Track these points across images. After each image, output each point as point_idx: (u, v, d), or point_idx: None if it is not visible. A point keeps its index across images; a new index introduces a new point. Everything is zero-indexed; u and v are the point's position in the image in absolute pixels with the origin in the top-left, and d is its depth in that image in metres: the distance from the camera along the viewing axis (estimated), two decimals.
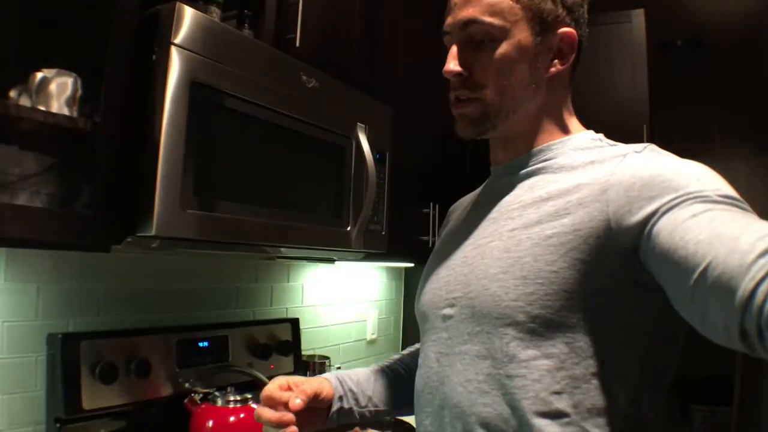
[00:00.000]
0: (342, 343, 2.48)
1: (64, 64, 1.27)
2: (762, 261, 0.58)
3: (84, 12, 1.31)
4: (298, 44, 1.65)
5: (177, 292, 1.81)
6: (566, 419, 0.79)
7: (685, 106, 2.43)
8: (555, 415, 0.80)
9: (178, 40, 1.24)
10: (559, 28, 0.92)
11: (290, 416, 0.95)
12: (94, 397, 1.46)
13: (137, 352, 1.57)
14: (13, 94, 1.25)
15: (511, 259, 0.85)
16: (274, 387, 1.00)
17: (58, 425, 1.42)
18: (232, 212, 1.38)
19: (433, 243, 2.20)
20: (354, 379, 1.13)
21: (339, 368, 2.13)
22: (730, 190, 0.73)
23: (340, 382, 1.10)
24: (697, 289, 0.64)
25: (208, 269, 1.90)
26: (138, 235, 1.25)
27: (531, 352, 0.82)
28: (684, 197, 0.71)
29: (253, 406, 1.61)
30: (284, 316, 2.16)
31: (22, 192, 1.26)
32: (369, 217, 1.75)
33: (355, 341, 2.56)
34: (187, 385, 1.63)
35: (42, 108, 1.23)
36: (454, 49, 0.92)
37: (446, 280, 0.97)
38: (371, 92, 1.88)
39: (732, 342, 0.61)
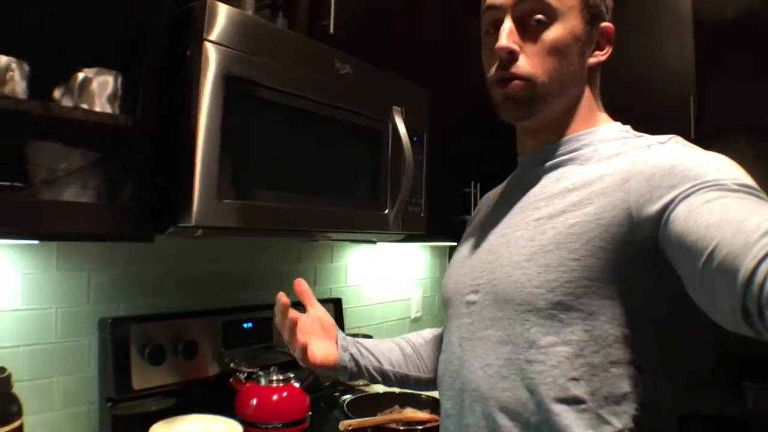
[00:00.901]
0: (386, 322, 2.52)
1: (105, 63, 1.32)
2: (765, 240, 0.59)
3: (120, 11, 1.35)
4: (332, 31, 1.66)
5: (223, 275, 1.87)
6: (583, 405, 0.81)
7: (734, 78, 2.34)
8: (572, 401, 0.81)
9: (210, 36, 1.27)
10: (602, 21, 0.94)
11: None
12: (144, 377, 1.54)
13: (184, 334, 1.64)
14: (57, 94, 1.30)
15: (534, 248, 0.87)
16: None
17: (109, 404, 1.51)
18: (269, 200, 1.42)
19: None
20: (357, 339, 1.18)
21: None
22: (748, 180, 0.74)
23: (344, 337, 1.15)
24: (706, 271, 0.65)
25: (252, 253, 1.95)
26: (179, 225, 1.29)
27: (551, 339, 0.83)
28: (701, 185, 0.72)
29: (295, 385, 1.67)
30: (328, 296, 2.20)
31: (69, 187, 1.32)
32: (407, 199, 1.76)
33: (399, 320, 2.60)
34: (232, 365, 1.70)
35: (84, 106, 1.29)
36: (508, 24, 0.90)
37: (471, 267, 0.99)
38: (408, 75, 1.88)
39: (739, 325, 0.62)
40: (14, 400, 1.19)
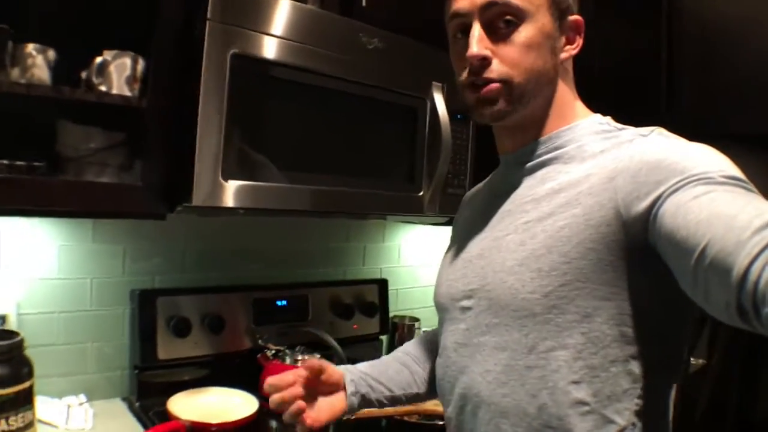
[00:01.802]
0: None
1: (124, 46, 1.34)
2: (757, 237, 0.59)
3: None
4: (364, 3, 1.59)
5: (263, 251, 1.89)
6: (586, 408, 0.81)
7: None
8: (575, 404, 0.82)
9: (216, 15, 1.26)
10: (570, 15, 0.94)
11: (297, 391, 0.97)
12: (169, 348, 1.60)
13: (213, 308, 1.68)
14: (80, 76, 1.35)
15: (526, 252, 0.86)
16: (273, 378, 1.01)
17: (136, 371, 1.58)
18: (283, 181, 1.40)
19: None
20: (362, 369, 1.13)
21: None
22: (735, 171, 0.73)
23: (348, 370, 1.11)
24: (698, 268, 0.65)
25: (296, 229, 1.95)
26: (184, 205, 1.31)
27: (549, 343, 0.83)
28: (688, 179, 0.72)
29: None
30: (378, 276, 2.17)
31: (90, 166, 1.37)
32: (445, 179, 1.68)
33: None
34: (260, 341, 1.72)
35: (103, 88, 1.32)
36: (477, 31, 0.89)
37: (463, 272, 0.98)
38: None
39: (733, 320, 0.62)
40: (26, 362, 1.26)
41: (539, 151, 0.94)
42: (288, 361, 1.65)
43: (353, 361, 1.68)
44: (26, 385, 1.25)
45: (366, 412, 1.49)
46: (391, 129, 1.65)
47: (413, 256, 2.31)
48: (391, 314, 2.17)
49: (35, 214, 1.38)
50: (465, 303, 0.95)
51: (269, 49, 1.34)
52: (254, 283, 1.81)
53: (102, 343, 1.60)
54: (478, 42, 0.88)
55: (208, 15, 1.25)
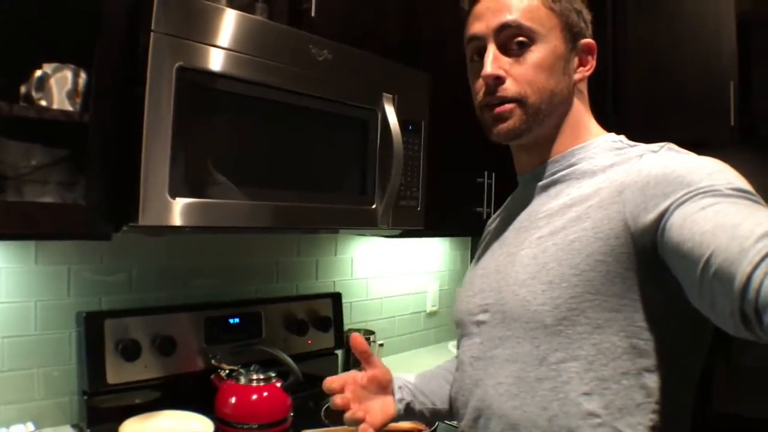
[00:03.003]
0: (398, 316, 2.44)
1: (67, 59, 1.29)
2: (759, 245, 0.60)
3: (78, 3, 1.32)
4: (313, 14, 1.58)
5: (213, 269, 1.84)
6: (597, 420, 0.82)
7: None
8: (586, 416, 0.82)
9: (160, 27, 1.23)
10: (582, 39, 0.97)
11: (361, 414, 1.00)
12: (119, 372, 1.53)
13: (163, 329, 1.62)
14: (23, 89, 1.29)
15: (538, 265, 0.88)
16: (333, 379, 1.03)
17: (85, 397, 1.51)
18: (234, 196, 1.37)
19: (488, 214, 2.11)
20: (406, 378, 1.14)
21: (382, 345, 2.11)
22: (742, 184, 0.74)
23: (396, 376, 1.12)
24: (704, 278, 0.66)
25: (247, 245, 1.91)
26: (130, 224, 1.26)
27: (559, 355, 0.84)
28: (695, 192, 0.73)
29: (277, 384, 1.62)
30: (331, 289, 2.15)
31: (29, 185, 1.31)
32: (398, 192, 1.68)
33: (412, 314, 2.51)
34: (213, 361, 1.67)
35: (43, 103, 1.27)
36: (492, 51, 0.93)
37: (480, 287, 1.00)
38: (407, 59, 1.78)
39: (738, 329, 0.62)
40: None
41: (553, 169, 0.97)
42: (243, 381, 1.61)
43: (310, 377, 1.67)
44: None
45: (329, 431, 1.48)
46: (343, 142, 1.63)
47: (366, 269, 2.30)
48: (345, 328, 2.14)
49: None
50: (480, 317, 0.97)
51: (216, 61, 1.32)
52: (205, 301, 1.77)
53: (49, 369, 1.52)
54: (492, 62, 0.92)
55: (152, 26, 1.22)
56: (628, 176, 0.83)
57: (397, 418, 1.08)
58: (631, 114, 2.13)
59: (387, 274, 2.39)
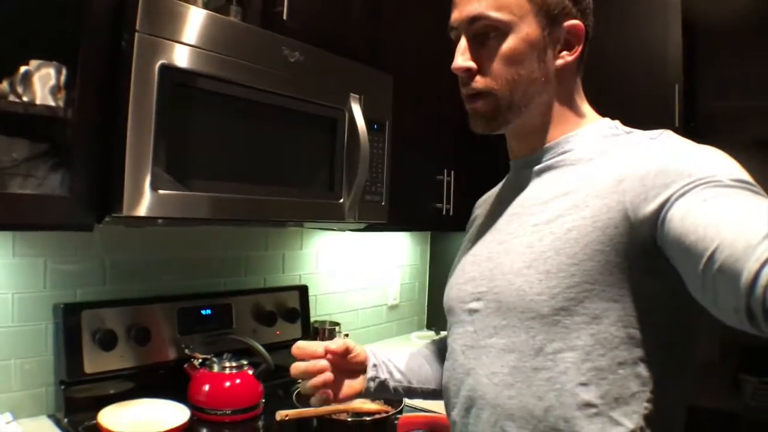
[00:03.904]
0: (360, 309, 2.53)
1: (50, 56, 1.34)
2: (767, 243, 0.59)
3: (61, 2, 1.36)
4: (285, 17, 1.66)
5: (185, 261, 1.90)
6: (594, 410, 0.81)
7: (725, 65, 2.28)
8: (582, 407, 0.81)
9: (143, 27, 1.29)
10: (566, 20, 0.92)
11: (323, 363, 1.00)
12: (95, 361, 1.58)
13: (138, 320, 1.68)
14: (3, 87, 1.33)
15: (534, 254, 0.87)
16: (303, 342, 1.05)
17: (62, 387, 1.55)
18: (210, 190, 1.43)
19: (448, 210, 2.22)
20: (387, 355, 1.15)
21: (347, 335, 2.19)
22: (742, 174, 0.73)
23: (374, 353, 1.12)
24: (707, 272, 0.65)
25: (216, 239, 1.97)
26: (113, 215, 1.32)
27: (556, 345, 0.83)
28: (696, 182, 0.72)
29: (249, 372, 1.69)
30: (297, 282, 2.22)
31: (13, 178, 1.35)
32: (363, 188, 1.76)
33: (374, 307, 2.60)
34: (186, 351, 1.73)
35: (25, 99, 1.32)
36: (462, 44, 0.92)
37: (472, 275, 0.98)
38: (371, 62, 1.87)
39: (743, 324, 0.62)
40: None
41: (547, 156, 0.96)
42: (216, 369, 1.67)
43: (278, 367, 1.74)
44: None
45: (297, 412, 1.55)
46: (312, 139, 1.71)
47: (330, 262, 2.38)
48: (312, 319, 2.22)
49: None
50: (473, 305, 0.95)
51: (195, 60, 1.38)
52: (178, 293, 1.82)
53: (25, 360, 1.56)
54: (461, 54, 0.91)
55: (137, 27, 1.28)
56: (628, 165, 0.82)
57: (368, 394, 1.09)
58: None
59: (350, 268, 2.47)
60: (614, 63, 2.20)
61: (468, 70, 0.91)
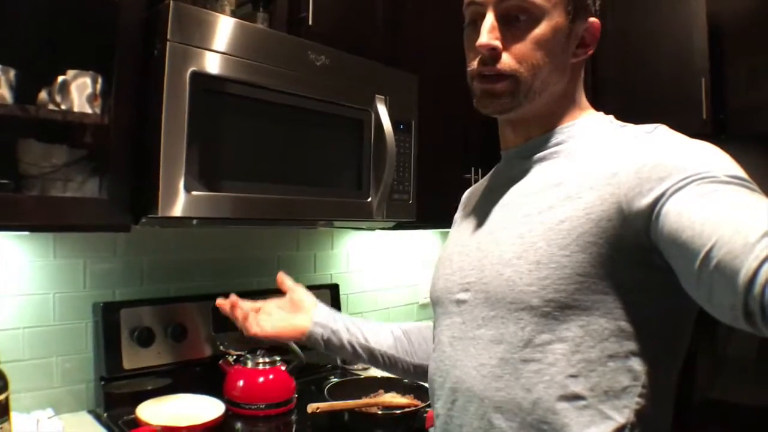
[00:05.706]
0: (391, 308, 2.55)
1: (85, 65, 1.40)
2: (766, 240, 0.59)
3: (97, 14, 1.42)
4: (310, 22, 1.70)
5: (219, 261, 1.95)
6: (583, 402, 0.80)
7: (755, 54, 2.24)
8: (571, 399, 0.80)
9: (175, 36, 1.34)
10: (588, 17, 0.92)
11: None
12: (133, 358, 1.64)
13: (174, 317, 1.74)
14: (42, 96, 1.40)
15: (524, 245, 0.86)
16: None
17: (102, 383, 1.62)
18: (241, 191, 1.48)
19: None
20: (349, 318, 1.21)
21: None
22: (738, 171, 0.73)
23: (328, 314, 1.19)
24: (703, 269, 0.64)
25: (249, 240, 2.03)
26: (149, 216, 1.37)
27: (546, 336, 0.82)
28: (692, 178, 0.71)
29: (281, 368, 1.74)
30: (328, 282, 2.26)
31: (53, 182, 1.42)
32: (391, 187, 1.80)
33: (405, 305, 2.63)
34: (221, 347, 1.78)
35: (64, 107, 1.38)
36: (490, 20, 0.88)
37: (460, 266, 0.97)
38: (396, 63, 1.90)
39: (738, 322, 0.62)
40: (1, 375, 1.30)
41: (541, 146, 0.95)
42: (250, 365, 1.72)
43: (310, 364, 1.78)
44: (2, 397, 1.28)
45: (328, 405, 1.59)
46: (340, 140, 1.75)
47: (361, 262, 2.41)
48: None
49: (3, 229, 1.42)
50: (461, 296, 0.94)
51: (225, 67, 1.43)
52: (212, 292, 1.86)
53: (66, 357, 1.63)
54: (489, 32, 0.87)
55: (168, 36, 1.33)
56: (623, 158, 0.81)
57: (313, 340, 1.15)
58: (607, 99, 2.07)
59: (381, 267, 2.50)
60: (639, 54, 2.16)
61: (494, 48, 0.88)
